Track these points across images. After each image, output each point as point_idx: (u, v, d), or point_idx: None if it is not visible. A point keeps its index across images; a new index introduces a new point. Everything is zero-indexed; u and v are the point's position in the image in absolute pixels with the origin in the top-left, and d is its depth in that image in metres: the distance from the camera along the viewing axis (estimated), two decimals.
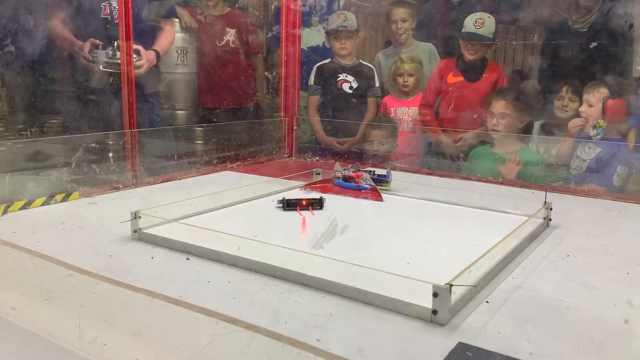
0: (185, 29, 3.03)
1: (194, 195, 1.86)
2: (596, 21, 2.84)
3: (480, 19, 2.92)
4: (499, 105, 2.81)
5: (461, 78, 3.01)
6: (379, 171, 2.28)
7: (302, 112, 3.28)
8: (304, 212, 1.83)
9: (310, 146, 3.23)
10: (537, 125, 2.95)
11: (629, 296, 1.24)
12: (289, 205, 1.88)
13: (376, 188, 2.10)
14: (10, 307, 1.10)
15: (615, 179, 2.56)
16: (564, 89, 2.86)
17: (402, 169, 2.82)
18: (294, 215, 1.89)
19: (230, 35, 3.20)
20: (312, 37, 3.51)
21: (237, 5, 3.42)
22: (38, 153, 2.07)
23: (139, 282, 1.23)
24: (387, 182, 2.21)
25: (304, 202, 1.88)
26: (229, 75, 3.28)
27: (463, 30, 2.97)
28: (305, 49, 3.49)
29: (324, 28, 3.43)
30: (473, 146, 2.94)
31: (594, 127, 2.67)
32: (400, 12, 3.24)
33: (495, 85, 2.96)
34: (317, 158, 3.07)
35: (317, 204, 1.90)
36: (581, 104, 2.75)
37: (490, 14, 2.98)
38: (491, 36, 2.92)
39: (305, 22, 3.54)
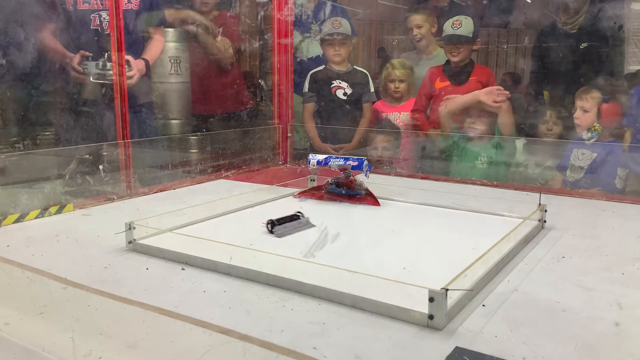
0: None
1: (188, 204, 1.86)
2: (586, 23, 2.85)
3: (457, 20, 2.93)
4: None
5: (448, 83, 3.03)
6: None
7: (297, 119, 3.28)
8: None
9: (305, 153, 3.22)
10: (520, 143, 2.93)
11: (625, 296, 1.24)
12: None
13: (371, 193, 2.10)
14: (3, 322, 1.09)
15: (618, 182, 2.57)
16: (548, 114, 2.89)
17: (396, 174, 2.82)
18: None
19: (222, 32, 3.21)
20: (313, 48, 3.47)
21: (228, 14, 3.42)
22: (31, 166, 2.06)
23: (134, 294, 1.22)
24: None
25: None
26: (223, 82, 3.28)
27: (443, 35, 2.99)
28: (306, 60, 3.46)
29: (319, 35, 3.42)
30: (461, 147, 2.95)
31: (589, 130, 2.67)
32: (416, 19, 3.24)
33: (485, 87, 2.97)
34: None
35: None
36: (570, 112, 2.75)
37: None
38: (471, 35, 2.93)
39: (305, 32, 3.52)
